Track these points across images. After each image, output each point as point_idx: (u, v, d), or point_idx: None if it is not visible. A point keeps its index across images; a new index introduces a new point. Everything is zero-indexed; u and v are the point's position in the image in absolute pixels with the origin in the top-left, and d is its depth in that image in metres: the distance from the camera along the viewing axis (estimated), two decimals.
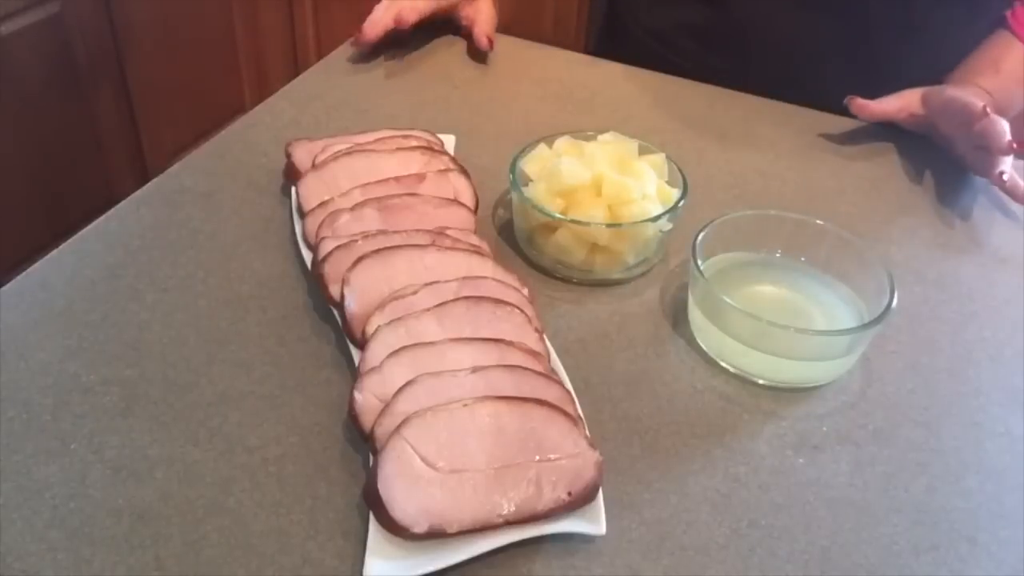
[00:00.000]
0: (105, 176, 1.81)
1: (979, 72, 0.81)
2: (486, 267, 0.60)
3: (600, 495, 0.48)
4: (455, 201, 0.66)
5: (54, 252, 0.66)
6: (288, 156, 0.71)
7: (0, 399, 0.55)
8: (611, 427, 0.55)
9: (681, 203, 0.65)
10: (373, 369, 0.52)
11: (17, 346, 0.58)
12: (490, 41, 0.93)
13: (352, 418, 0.51)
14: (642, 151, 0.69)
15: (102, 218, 0.70)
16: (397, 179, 0.66)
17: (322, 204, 0.65)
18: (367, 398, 0.51)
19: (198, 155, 0.77)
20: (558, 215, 0.64)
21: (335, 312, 0.59)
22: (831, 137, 0.84)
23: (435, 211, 0.65)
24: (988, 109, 0.72)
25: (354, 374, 0.54)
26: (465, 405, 0.48)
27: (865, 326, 0.57)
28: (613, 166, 0.66)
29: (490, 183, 0.75)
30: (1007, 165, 0.71)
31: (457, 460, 0.47)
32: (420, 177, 0.67)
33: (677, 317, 0.64)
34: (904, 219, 0.76)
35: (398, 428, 0.47)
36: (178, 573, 0.46)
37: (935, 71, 0.84)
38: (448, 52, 0.96)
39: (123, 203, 0.72)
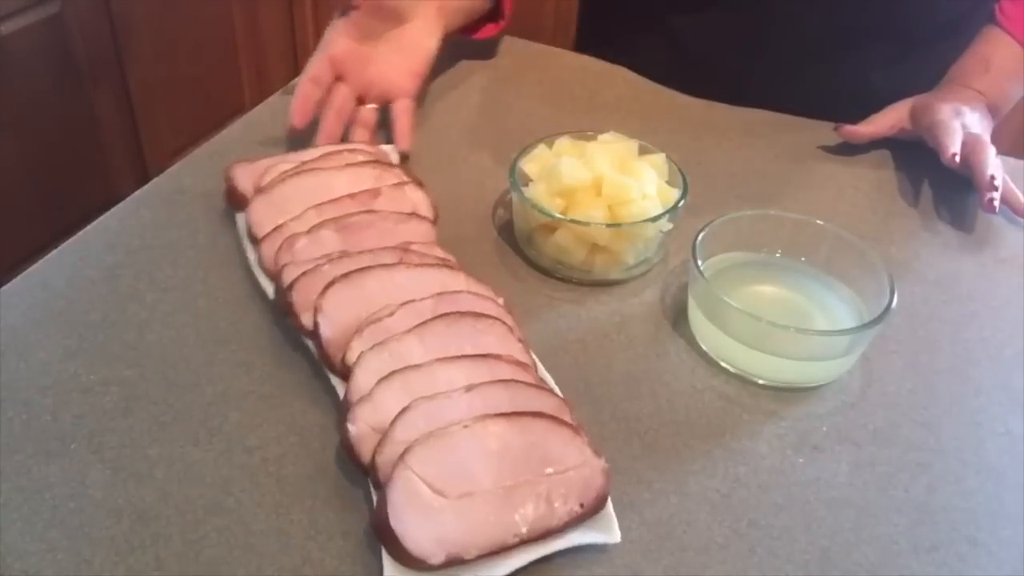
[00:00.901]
0: (105, 176, 1.81)
1: (970, 73, 0.81)
2: (459, 280, 0.58)
3: (609, 502, 0.48)
4: (414, 215, 0.64)
5: (54, 252, 0.66)
6: (229, 181, 0.68)
7: (0, 399, 0.55)
8: (611, 427, 0.55)
9: (681, 203, 0.65)
10: (363, 398, 0.50)
11: (17, 346, 0.58)
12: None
13: (347, 451, 0.49)
14: (642, 151, 0.69)
15: (102, 218, 0.70)
16: (352, 196, 0.64)
17: (276, 229, 0.62)
18: (361, 429, 0.49)
19: (198, 155, 0.77)
20: (558, 215, 0.64)
21: (308, 342, 0.56)
22: (831, 137, 0.84)
23: (395, 227, 0.63)
24: (956, 159, 0.71)
25: (335, 403, 0.53)
26: (465, 426, 0.47)
27: (865, 326, 0.57)
28: (613, 166, 0.66)
29: (490, 183, 0.75)
30: (996, 191, 0.70)
31: (465, 484, 0.46)
32: (375, 193, 0.65)
33: (677, 317, 0.64)
34: (904, 219, 0.76)
35: (401, 458, 0.46)
36: (178, 573, 0.46)
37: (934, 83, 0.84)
38: (448, 52, 0.96)
39: (123, 203, 0.72)
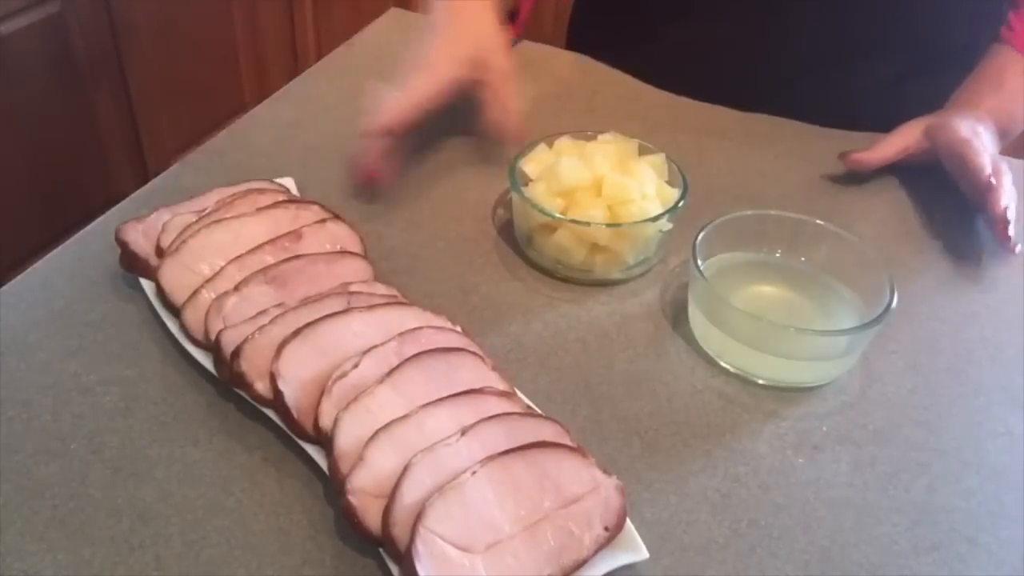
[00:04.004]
0: (105, 176, 1.81)
1: (981, 92, 0.79)
2: (415, 316, 0.55)
3: (628, 520, 0.47)
4: (344, 252, 0.60)
5: (54, 252, 0.66)
6: (123, 245, 0.61)
7: (0, 399, 0.55)
8: (611, 427, 0.55)
9: (681, 203, 0.65)
10: (356, 466, 0.47)
11: (17, 346, 0.58)
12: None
13: (354, 525, 0.46)
14: (642, 151, 0.69)
15: (102, 218, 0.70)
16: (272, 243, 0.59)
17: (196, 293, 0.57)
18: (362, 499, 0.46)
19: (198, 155, 0.77)
20: (558, 215, 0.64)
21: (269, 412, 0.52)
22: (831, 139, 0.84)
23: (328, 269, 0.58)
24: (993, 180, 0.68)
25: (316, 473, 0.51)
26: (474, 473, 0.45)
27: (865, 326, 0.57)
28: (613, 166, 0.66)
29: (490, 183, 0.75)
30: (1009, 223, 0.67)
31: (489, 534, 0.44)
32: (296, 235, 0.60)
33: (677, 317, 0.64)
34: (904, 220, 0.76)
35: (419, 521, 0.43)
36: (178, 573, 0.46)
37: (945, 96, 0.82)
38: None
39: (123, 203, 0.72)
